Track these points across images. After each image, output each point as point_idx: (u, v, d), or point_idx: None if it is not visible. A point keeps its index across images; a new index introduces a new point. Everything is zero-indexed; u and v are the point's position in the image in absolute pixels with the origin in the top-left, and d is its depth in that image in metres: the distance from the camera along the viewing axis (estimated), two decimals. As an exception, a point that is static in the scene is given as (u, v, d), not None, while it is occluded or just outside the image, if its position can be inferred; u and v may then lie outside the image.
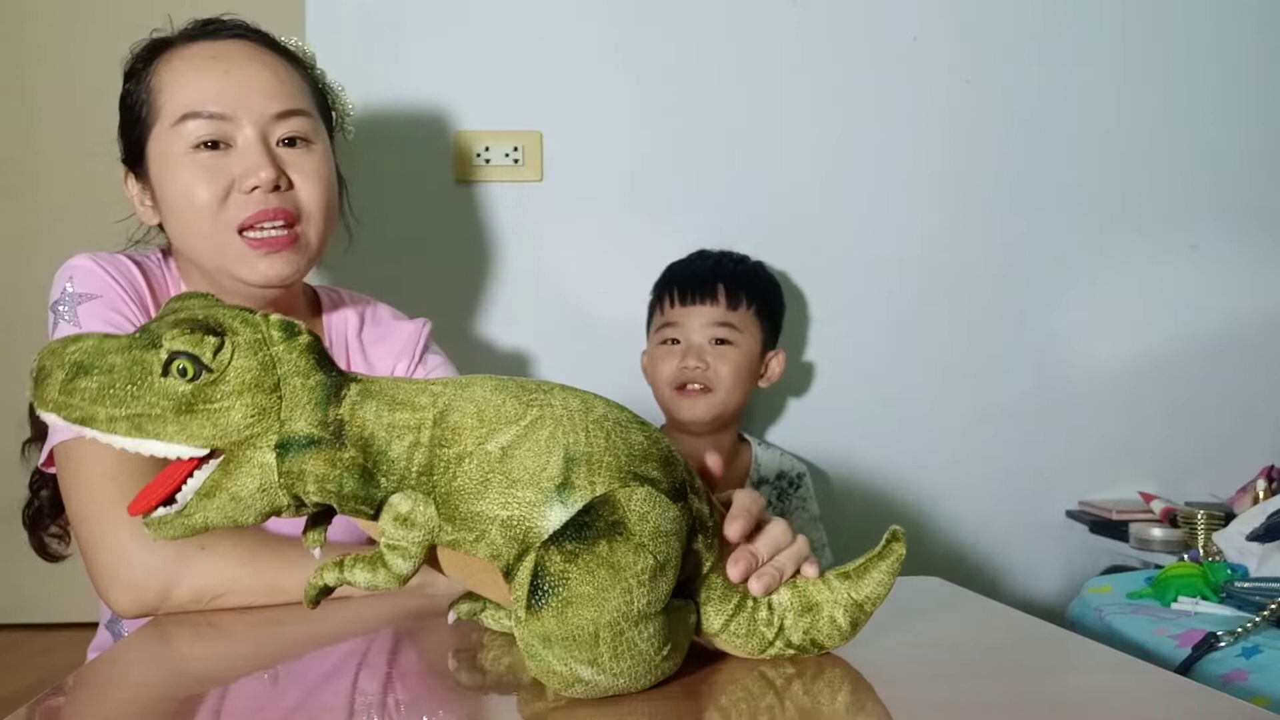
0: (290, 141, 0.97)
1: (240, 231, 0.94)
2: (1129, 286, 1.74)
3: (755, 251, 1.60)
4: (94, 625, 1.05)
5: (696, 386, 1.49)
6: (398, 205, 1.63)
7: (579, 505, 0.54)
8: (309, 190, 0.97)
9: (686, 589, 0.60)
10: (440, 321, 1.21)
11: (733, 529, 0.61)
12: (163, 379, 0.52)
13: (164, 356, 0.52)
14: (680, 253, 1.59)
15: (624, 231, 1.68)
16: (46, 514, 1.03)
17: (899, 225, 1.71)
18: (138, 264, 0.99)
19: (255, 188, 0.94)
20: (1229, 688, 0.93)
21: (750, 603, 0.61)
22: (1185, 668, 0.98)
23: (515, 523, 0.54)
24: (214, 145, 0.94)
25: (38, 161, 1.76)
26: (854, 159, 1.70)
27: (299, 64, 1.03)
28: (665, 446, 0.59)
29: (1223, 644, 0.99)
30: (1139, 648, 1.06)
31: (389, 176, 1.63)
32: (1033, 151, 1.73)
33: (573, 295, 1.68)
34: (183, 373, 0.52)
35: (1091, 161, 1.73)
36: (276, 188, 0.94)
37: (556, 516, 0.54)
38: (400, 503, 0.55)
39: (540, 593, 0.53)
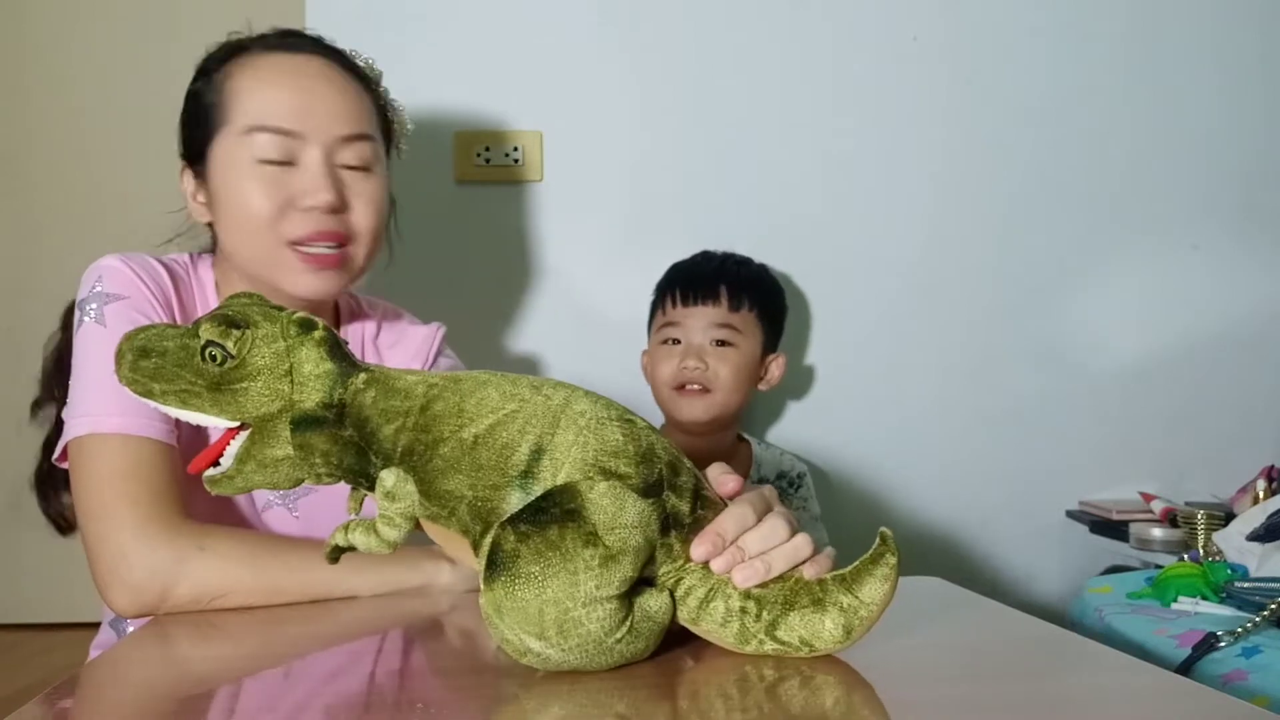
0: (353, 164, 0.99)
1: (292, 245, 0.96)
2: (1129, 286, 1.74)
3: (755, 251, 1.60)
4: (95, 625, 1.05)
5: (695, 387, 1.49)
6: (398, 206, 1.62)
7: (538, 491, 0.59)
8: (363, 215, 0.99)
9: (660, 580, 0.62)
10: (438, 321, 1.21)
11: (696, 550, 0.62)
12: (200, 363, 0.63)
13: (200, 344, 0.63)
14: (680, 253, 1.59)
15: (624, 231, 1.69)
16: (59, 482, 1.02)
17: (899, 226, 1.71)
18: (165, 266, 1.00)
19: (314, 208, 0.96)
20: (1229, 688, 0.93)
21: (730, 590, 0.62)
22: (1185, 668, 0.98)
23: (480, 503, 0.60)
24: (278, 160, 0.96)
25: (39, 161, 1.76)
26: (854, 159, 1.71)
27: (367, 84, 1.05)
28: (647, 445, 0.61)
29: (1223, 644, 1.00)
30: (1139, 648, 1.06)
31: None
32: (1033, 152, 1.73)
33: (573, 295, 1.68)
34: (213, 358, 0.62)
35: (1092, 162, 1.73)
36: (334, 210, 0.96)
37: (515, 500, 0.59)
38: (386, 478, 0.62)
39: (494, 567, 0.57)
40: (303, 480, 0.65)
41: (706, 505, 0.63)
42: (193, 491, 0.89)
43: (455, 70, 1.66)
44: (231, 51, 1.00)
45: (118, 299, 0.93)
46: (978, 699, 0.58)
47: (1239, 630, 1.01)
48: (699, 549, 0.61)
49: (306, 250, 0.96)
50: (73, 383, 0.92)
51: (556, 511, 0.57)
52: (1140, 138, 1.74)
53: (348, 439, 0.63)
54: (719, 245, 1.60)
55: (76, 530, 1.01)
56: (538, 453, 0.60)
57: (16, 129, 1.75)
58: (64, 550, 1.05)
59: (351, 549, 0.65)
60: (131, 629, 0.95)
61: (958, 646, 0.70)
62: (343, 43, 1.07)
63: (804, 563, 0.64)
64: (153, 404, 0.64)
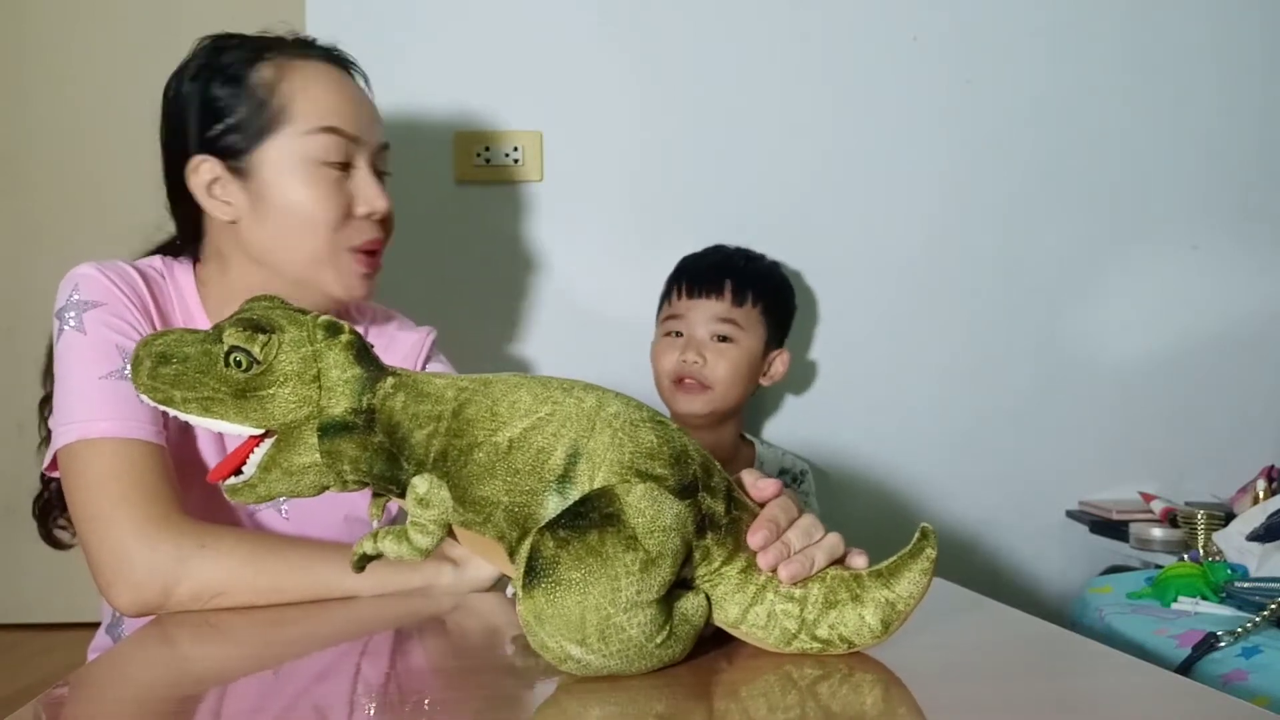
0: (380, 171, 1.05)
1: (351, 250, 1.01)
2: (1129, 286, 1.74)
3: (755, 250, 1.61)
4: (94, 625, 1.06)
5: (692, 382, 1.49)
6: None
7: (576, 496, 0.58)
8: (388, 220, 1.06)
9: (696, 582, 0.62)
10: (439, 322, 1.21)
11: (755, 538, 0.63)
12: (224, 369, 0.61)
13: (224, 349, 0.61)
14: (680, 253, 1.59)
15: (624, 231, 1.68)
16: (56, 505, 1.03)
17: (899, 226, 1.71)
18: (140, 272, 1.00)
19: (371, 215, 1.02)
20: (1229, 688, 0.93)
21: (770, 595, 0.62)
22: (1185, 668, 0.98)
23: (517, 509, 0.59)
24: (339, 164, 0.99)
25: (39, 161, 1.76)
26: (854, 159, 1.70)
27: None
28: (679, 446, 0.61)
29: (1223, 644, 1.00)
30: (1139, 648, 1.06)
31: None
32: (1033, 152, 1.73)
33: (573, 295, 1.68)
34: (238, 364, 0.61)
35: (1092, 162, 1.73)
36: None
37: (553, 505, 0.58)
38: (419, 484, 0.60)
39: (533, 574, 0.56)
40: (327, 487, 0.63)
41: (740, 507, 0.64)
42: (185, 493, 0.90)
43: (455, 70, 1.66)
44: (259, 50, 1.00)
45: (95, 306, 0.94)
46: (977, 698, 0.58)
47: (1239, 630, 1.01)
48: (756, 536, 0.62)
49: (366, 256, 1.02)
50: (57, 392, 0.92)
51: (595, 516, 0.57)
52: (1140, 138, 1.74)
53: (378, 445, 0.61)
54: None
55: (71, 548, 1.02)
56: (574, 456, 0.59)
57: (16, 129, 1.75)
58: (64, 551, 1.05)
59: (379, 557, 0.64)
60: (129, 634, 0.95)
61: (957, 646, 0.70)
62: (343, 43, 1.08)
63: (841, 559, 0.65)
64: (173, 412, 0.62)
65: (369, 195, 1.01)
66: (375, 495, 0.67)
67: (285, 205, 0.97)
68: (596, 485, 0.58)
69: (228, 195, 0.99)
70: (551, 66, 1.67)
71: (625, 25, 1.68)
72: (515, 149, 1.66)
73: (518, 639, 0.70)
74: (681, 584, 0.61)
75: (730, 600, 0.62)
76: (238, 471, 0.64)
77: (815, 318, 1.72)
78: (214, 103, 0.99)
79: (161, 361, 0.61)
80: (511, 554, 0.60)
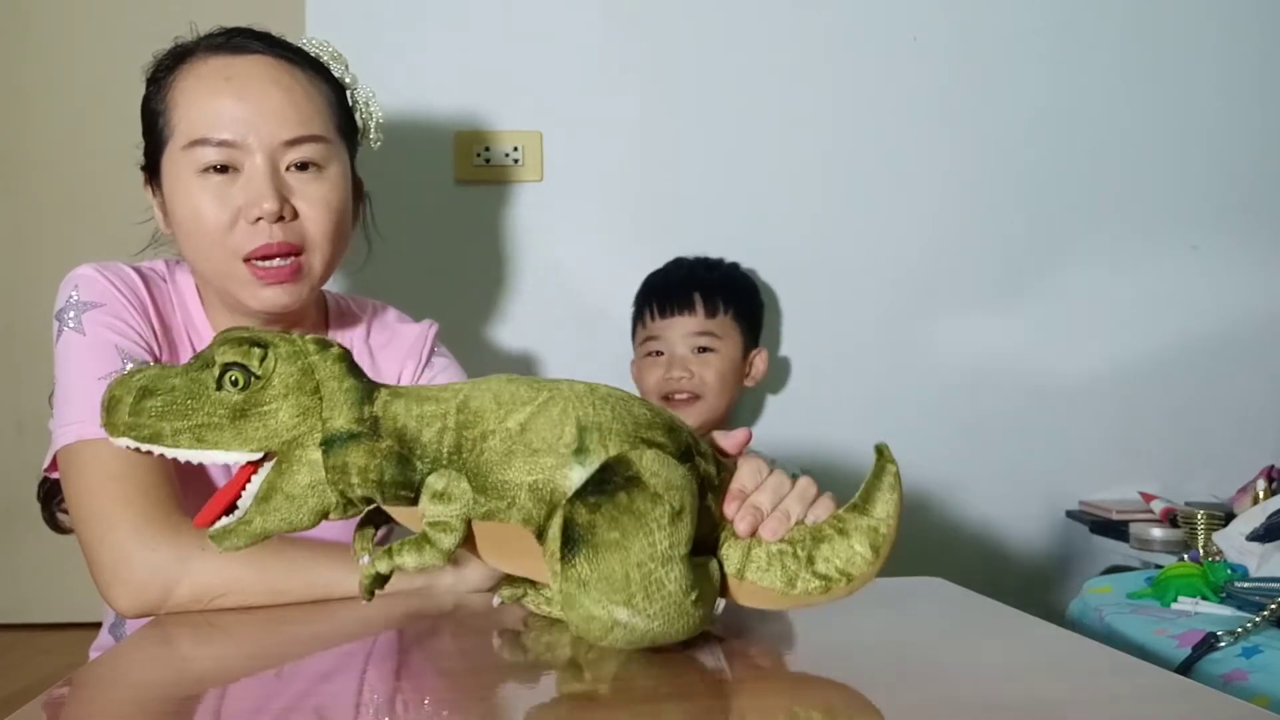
0: (302, 166, 0.96)
1: (245, 259, 0.94)
2: (1129, 286, 1.74)
3: (754, 253, 1.61)
4: (94, 625, 1.06)
5: (683, 396, 1.52)
6: (398, 205, 1.63)
7: (595, 465, 0.60)
8: (315, 219, 0.96)
9: (707, 546, 0.64)
10: (439, 321, 1.21)
11: (729, 508, 0.66)
12: (218, 391, 0.59)
13: (217, 371, 0.59)
14: (679, 252, 1.59)
15: (624, 231, 1.69)
16: (59, 490, 1.03)
17: (899, 225, 1.71)
18: (140, 274, 1.00)
19: (259, 218, 0.93)
20: (1229, 688, 0.93)
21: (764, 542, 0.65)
22: (1185, 668, 0.98)
23: (541, 486, 0.60)
24: (223, 169, 0.94)
25: (38, 162, 1.75)
26: (853, 159, 1.71)
27: (324, 77, 1.01)
28: (668, 418, 0.65)
29: (1223, 644, 0.99)
30: (1139, 648, 1.06)
31: (389, 177, 1.62)
32: (1033, 151, 1.73)
33: (572, 295, 1.68)
34: (234, 382, 0.59)
35: (1091, 162, 1.73)
36: (281, 218, 0.94)
37: (577, 476, 0.60)
38: (435, 481, 0.60)
39: (572, 543, 0.58)
40: (327, 513, 0.61)
41: (725, 470, 0.67)
42: (184, 496, 0.90)
43: (455, 70, 1.66)
44: (178, 57, 0.98)
45: (94, 307, 0.94)
46: (978, 699, 0.58)
47: (1239, 630, 1.01)
48: (729, 507, 0.66)
49: (260, 265, 0.94)
50: (57, 393, 0.93)
51: (619, 479, 0.59)
52: (1140, 138, 1.74)
53: (387, 450, 0.60)
54: (717, 246, 1.61)
55: (72, 533, 1.01)
56: (584, 430, 0.61)
57: (16, 129, 1.75)
58: (64, 550, 1.05)
59: (392, 573, 0.62)
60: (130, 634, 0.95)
61: (958, 646, 0.70)
62: (342, 43, 1.06)
63: (814, 500, 0.68)
64: (158, 450, 0.59)
65: (251, 196, 0.93)
66: (361, 526, 0.66)
67: (178, 219, 0.96)
68: (611, 454, 0.60)
69: (158, 209, 1.01)
70: (551, 67, 1.67)
71: (625, 25, 1.68)
72: (515, 149, 1.66)
73: (504, 633, 0.71)
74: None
75: (731, 551, 0.65)
76: (228, 511, 0.61)
77: (815, 318, 1.72)
78: (143, 118, 1.00)
79: (144, 395, 0.59)
80: (539, 534, 0.60)
